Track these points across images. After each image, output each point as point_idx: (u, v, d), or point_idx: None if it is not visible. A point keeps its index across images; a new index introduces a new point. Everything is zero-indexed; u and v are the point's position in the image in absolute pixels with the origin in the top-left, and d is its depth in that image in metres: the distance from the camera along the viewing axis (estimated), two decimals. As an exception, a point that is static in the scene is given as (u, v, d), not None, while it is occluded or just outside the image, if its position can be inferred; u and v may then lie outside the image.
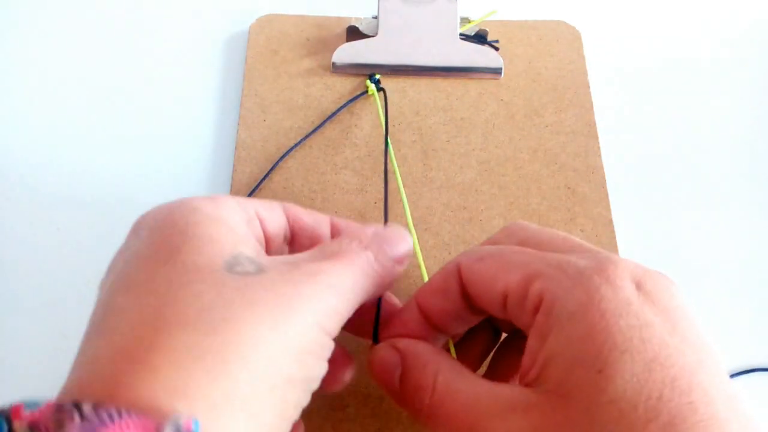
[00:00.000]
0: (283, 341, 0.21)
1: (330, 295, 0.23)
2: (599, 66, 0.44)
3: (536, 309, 0.23)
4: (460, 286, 0.26)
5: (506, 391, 0.23)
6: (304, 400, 0.23)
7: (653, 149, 0.41)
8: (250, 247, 0.24)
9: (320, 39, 0.44)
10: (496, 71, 0.42)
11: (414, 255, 0.29)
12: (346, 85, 0.41)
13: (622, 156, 0.40)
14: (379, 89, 0.41)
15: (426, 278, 0.29)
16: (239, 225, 0.25)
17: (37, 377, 0.32)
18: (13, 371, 0.33)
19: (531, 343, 0.23)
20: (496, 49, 0.43)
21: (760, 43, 0.46)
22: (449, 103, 0.41)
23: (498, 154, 0.39)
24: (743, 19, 0.47)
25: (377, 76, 0.41)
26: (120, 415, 0.17)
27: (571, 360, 0.21)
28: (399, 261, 0.26)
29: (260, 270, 0.22)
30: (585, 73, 0.43)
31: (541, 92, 0.42)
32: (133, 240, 0.24)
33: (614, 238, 0.36)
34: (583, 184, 0.38)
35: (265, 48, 0.43)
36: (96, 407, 0.17)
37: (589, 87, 0.42)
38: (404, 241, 0.27)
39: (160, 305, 0.21)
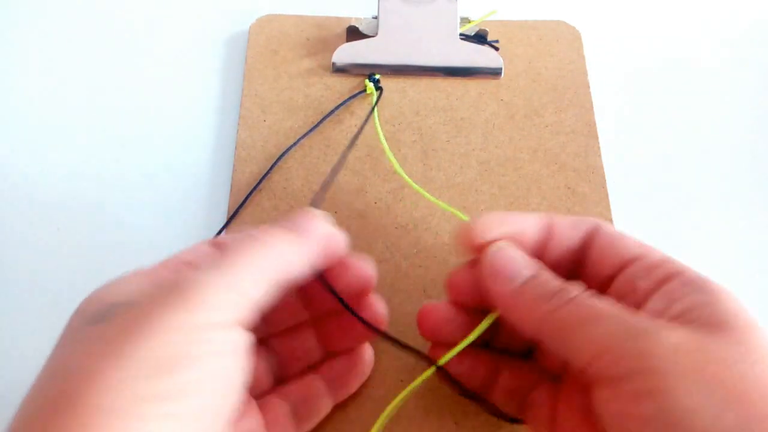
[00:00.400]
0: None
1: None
2: (599, 66, 0.44)
3: (665, 281, 0.25)
4: (587, 237, 0.28)
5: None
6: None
7: (653, 149, 0.41)
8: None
9: (320, 39, 0.44)
10: (496, 71, 0.42)
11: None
12: (345, 85, 0.41)
13: (622, 156, 0.40)
14: (378, 88, 0.41)
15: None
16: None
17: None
18: (13, 371, 0.33)
19: (658, 302, 0.25)
20: (496, 49, 0.43)
21: (761, 43, 0.46)
22: (449, 103, 0.41)
23: (498, 154, 0.39)
24: (743, 20, 0.47)
25: (377, 76, 0.41)
26: None
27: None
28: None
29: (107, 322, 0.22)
30: (585, 73, 0.43)
31: (541, 92, 0.42)
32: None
33: (614, 238, 0.36)
34: (583, 184, 0.38)
35: (265, 48, 0.43)
36: None
37: (589, 87, 0.42)
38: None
39: None
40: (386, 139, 0.38)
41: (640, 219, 0.38)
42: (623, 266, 0.27)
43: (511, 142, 0.40)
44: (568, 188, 0.38)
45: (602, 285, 0.27)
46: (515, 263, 0.27)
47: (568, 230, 0.28)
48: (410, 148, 0.39)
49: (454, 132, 0.40)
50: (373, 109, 0.40)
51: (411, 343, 0.30)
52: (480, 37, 0.43)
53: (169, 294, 0.22)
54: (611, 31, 0.46)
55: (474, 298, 0.29)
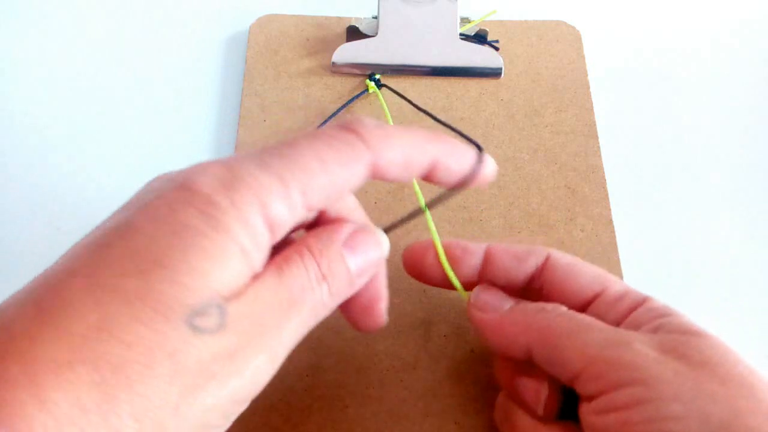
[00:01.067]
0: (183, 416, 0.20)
1: (263, 358, 0.22)
2: (599, 66, 0.44)
3: (632, 310, 0.27)
4: (539, 269, 0.29)
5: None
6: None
7: (653, 149, 0.41)
8: (240, 272, 0.21)
9: (320, 39, 0.44)
10: (496, 71, 0.42)
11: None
12: (346, 85, 0.41)
13: (622, 156, 0.40)
14: (380, 86, 0.41)
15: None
16: (252, 236, 0.21)
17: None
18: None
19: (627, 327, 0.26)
20: (496, 49, 0.43)
21: (761, 44, 0.46)
22: (449, 103, 0.41)
23: (498, 154, 0.39)
24: (744, 20, 0.47)
25: (377, 76, 0.41)
26: None
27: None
28: (359, 274, 0.25)
29: (220, 327, 0.20)
30: (585, 73, 0.43)
31: (541, 92, 0.42)
32: (123, 219, 0.21)
33: (614, 238, 0.36)
34: (583, 184, 0.38)
35: (265, 48, 0.43)
36: None
37: (589, 87, 0.42)
38: (374, 247, 0.25)
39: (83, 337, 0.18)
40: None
41: (640, 219, 0.38)
42: (585, 303, 0.28)
43: (511, 142, 0.40)
44: (568, 188, 0.38)
45: None
46: (499, 295, 0.29)
47: (509, 261, 0.29)
48: (410, 148, 0.39)
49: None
50: (384, 106, 0.39)
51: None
52: (480, 37, 0.43)
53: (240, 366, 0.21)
54: (611, 31, 0.46)
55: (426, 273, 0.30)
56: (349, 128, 0.23)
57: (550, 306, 0.27)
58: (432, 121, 0.36)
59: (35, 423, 0.17)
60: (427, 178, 0.25)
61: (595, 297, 0.28)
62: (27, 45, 0.44)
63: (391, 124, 0.37)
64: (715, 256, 0.37)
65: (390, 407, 0.31)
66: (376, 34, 0.42)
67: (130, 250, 0.20)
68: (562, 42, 0.44)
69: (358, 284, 0.25)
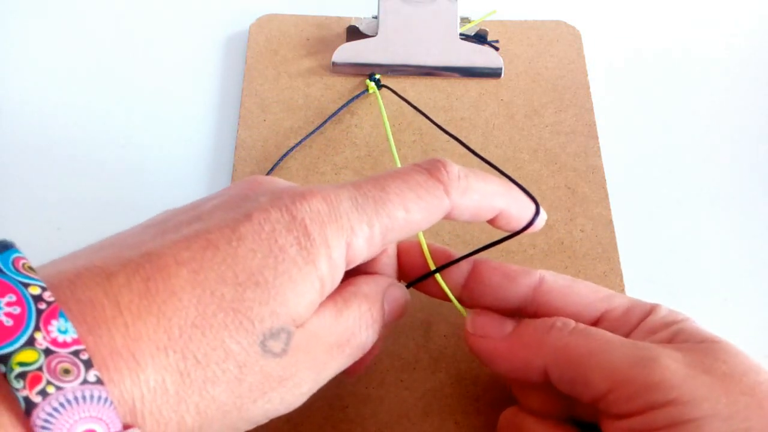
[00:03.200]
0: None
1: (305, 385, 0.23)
2: (599, 66, 0.44)
3: (641, 320, 0.26)
4: (532, 293, 0.28)
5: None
6: None
7: (653, 149, 0.41)
8: (312, 302, 0.23)
9: (320, 39, 0.44)
10: (496, 71, 0.42)
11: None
12: (346, 85, 0.41)
13: (622, 156, 0.40)
14: (380, 87, 0.41)
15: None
16: (332, 271, 0.23)
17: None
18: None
19: (638, 338, 0.26)
20: (496, 49, 0.43)
21: (761, 44, 0.46)
22: (449, 103, 0.41)
23: (498, 154, 0.39)
24: (744, 20, 0.47)
25: (377, 76, 0.41)
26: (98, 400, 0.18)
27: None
28: (388, 324, 0.27)
29: (284, 352, 0.22)
30: (585, 73, 0.43)
31: (541, 92, 0.42)
32: (219, 224, 0.23)
33: (614, 238, 0.36)
34: (583, 184, 0.38)
35: (265, 48, 0.43)
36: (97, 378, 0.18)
37: (589, 87, 0.42)
38: (402, 302, 0.28)
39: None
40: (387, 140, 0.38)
41: (640, 219, 0.38)
42: (591, 323, 0.27)
43: (511, 142, 0.40)
44: (568, 188, 0.38)
45: None
46: (497, 317, 0.28)
47: (499, 279, 0.28)
48: (410, 148, 0.39)
49: (454, 132, 0.40)
50: (381, 109, 0.39)
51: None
52: (480, 37, 0.43)
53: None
54: (611, 31, 0.46)
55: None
56: (437, 177, 0.26)
57: (560, 322, 0.26)
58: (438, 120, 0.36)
59: (126, 395, 0.19)
60: (489, 221, 0.28)
61: (602, 316, 0.27)
62: (26, 45, 0.44)
63: (387, 125, 0.37)
64: (715, 256, 0.37)
65: (390, 407, 0.31)
66: (376, 34, 0.42)
67: (232, 258, 0.22)
68: (562, 42, 0.44)
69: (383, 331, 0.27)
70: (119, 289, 0.20)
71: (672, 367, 0.23)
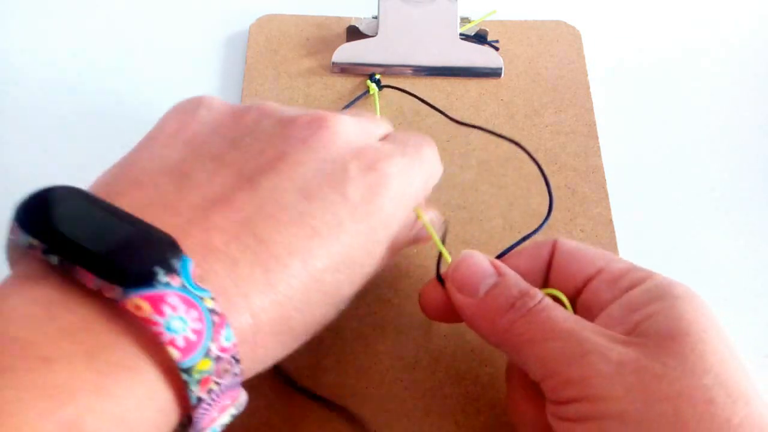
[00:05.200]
0: None
1: None
2: (599, 66, 0.44)
3: (630, 289, 0.26)
4: (550, 256, 0.29)
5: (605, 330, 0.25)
6: None
7: (653, 149, 0.41)
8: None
9: (320, 39, 0.44)
10: (496, 71, 0.42)
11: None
12: (346, 85, 0.41)
13: (622, 156, 0.40)
14: (381, 87, 0.41)
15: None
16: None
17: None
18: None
19: (616, 311, 0.26)
20: (496, 49, 0.43)
21: (761, 44, 0.46)
22: (449, 103, 0.41)
23: (498, 154, 0.39)
24: (744, 19, 0.47)
25: (377, 76, 0.41)
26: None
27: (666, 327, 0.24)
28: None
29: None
30: (585, 73, 0.43)
31: (541, 92, 0.42)
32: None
33: (614, 238, 0.36)
34: (583, 184, 0.38)
35: (265, 48, 0.43)
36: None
37: (589, 87, 0.42)
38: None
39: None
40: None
41: (640, 219, 0.38)
42: (587, 281, 0.27)
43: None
44: (568, 188, 0.38)
45: (570, 301, 0.28)
46: (480, 271, 0.27)
47: (527, 263, 0.29)
48: (410, 148, 0.39)
49: (454, 132, 0.40)
50: (377, 108, 0.40)
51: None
52: (480, 37, 0.43)
53: None
54: (611, 31, 0.46)
55: (448, 313, 0.29)
56: None
57: (520, 302, 0.26)
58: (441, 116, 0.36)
59: (203, 271, 0.22)
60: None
61: (597, 273, 0.27)
62: (25, 45, 0.44)
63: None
64: (715, 256, 0.37)
65: (390, 407, 0.31)
66: (376, 34, 0.42)
67: (336, 247, 0.25)
68: (562, 42, 0.44)
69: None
70: (244, 282, 0.22)
71: (597, 365, 0.23)
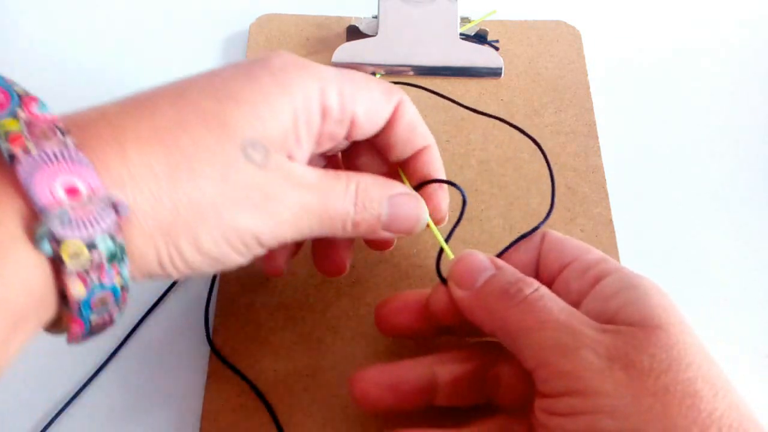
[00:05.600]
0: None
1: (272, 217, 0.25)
2: (599, 66, 0.44)
3: (596, 281, 0.27)
4: (539, 247, 0.30)
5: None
6: None
7: (653, 149, 0.41)
8: (286, 131, 0.25)
9: (320, 39, 0.44)
10: (496, 71, 0.42)
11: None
12: (346, 85, 0.41)
13: (622, 156, 0.40)
14: None
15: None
16: (306, 109, 0.26)
17: (37, 375, 0.32)
18: (13, 369, 0.33)
19: (591, 303, 0.26)
20: (496, 49, 0.43)
21: (761, 44, 0.46)
22: (449, 103, 0.41)
23: (498, 154, 0.39)
24: (744, 19, 0.47)
25: (377, 76, 0.41)
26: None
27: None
28: (387, 226, 0.28)
29: (263, 165, 0.24)
30: (585, 73, 0.43)
31: (541, 92, 0.42)
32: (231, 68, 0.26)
33: (614, 238, 0.36)
34: (583, 184, 0.38)
35: (265, 48, 0.43)
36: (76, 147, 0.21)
37: (589, 87, 0.42)
38: (412, 215, 0.29)
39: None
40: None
41: (640, 219, 0.38)
42: (562, 269, 0.28)
43: (511, 142, 0.39)
44: (568, 188, 0.38)
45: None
46: (477, 266, 0.28)
47: (525, 247, 0.30)
48: (410, 148, 0.39)
49: (454, 132, 0.40)
50: None
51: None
52: (480, 37, 0.43)
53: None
54: (611, 31, 0.46)
55: (456, 318, 0.29)
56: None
57: (514, 288, 0.26)
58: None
59: (114, 172, 0.21)
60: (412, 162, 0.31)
61: (570, 263, 0.28)
62: (25, 45, 0.44)
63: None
64: (714, 255, 0.37)
65: (390, 407, 0.31)
66: (376, 34, 0.42)
67: (210, 83, 0.25)
68: (562, 42, 0.44)
69: (383, 234, 0.28)
70: (106, 108, 0.24)
71: (589, 359, 0.24)
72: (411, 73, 0.42)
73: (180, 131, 0.23)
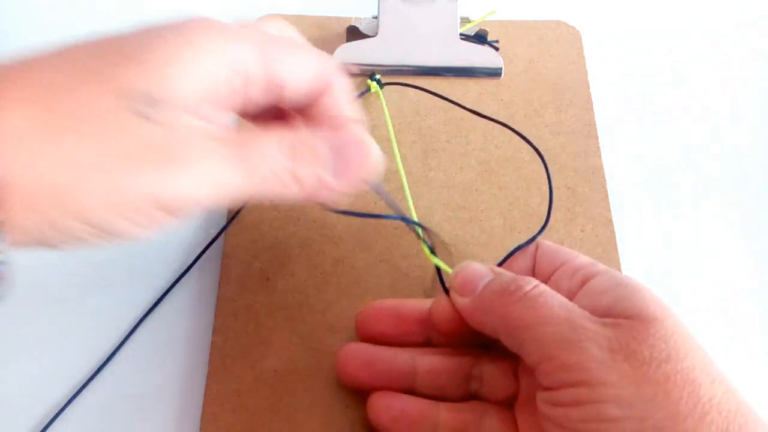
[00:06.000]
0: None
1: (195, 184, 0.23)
2: (599, 66, 0.44)
3: (585, 281, 0.28)
4: (534, 256, 0.30)
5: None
6: None
7: (653, 149, 0.41)
8: (193, 89, 0.23)
9: (320, 39, 0.44)
10: (496, 71, 0.42)
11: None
12: (346, 85, 0.41)
13: (622, 156, 0.40)
14: (382, 87, 0.41)
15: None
16: (213, 65, 0.24)
17: (37, 375, 0.32)
18: (13, 369, 0.33)
19: (583, 299, 0.27)
20: (496, 49, 0.43)
21: (761, 44, 0.46)
22: (449, 103, 0.41)
23: (498, 154, 0.39)
24: (744, 19, 0.47)
25: (377, 76, 0.41)
26: None
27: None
28: (341, 183, 0.26)
29: (160, 122, 0.22)
30: (585, 73, 0.43)
31: (541, 92, 0.42)
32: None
33: (614, 238, 0.36)
34: (583, 184, 0.38)
35: (265, 48, 0.43)
36: None
37: (589, 87, 0.42)
38: (363, 153, 0.27)
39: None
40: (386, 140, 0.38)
41: (640, 219, 0.38)
42: (553, 272, 0.29)
43: (511, 142, 0.40)
44: (568, 188, 0.38)
45: None
46: (477, 274, 0.29)
47: (523, 255, 0.31)
48: (410, 148, 0.39)
49: (454, 132, 0.40)
50: (383, 106, 0.39)
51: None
52: (480, 37, 0.43)
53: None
54: (611, 31, 0.46)
55: (458, 326, 0.30)
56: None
57: (514, 285, 0.27)
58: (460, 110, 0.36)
59: None
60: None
61: (561, 266, 0.29)
62: (24, 45, 0.44)
63: (390, 124, 0.38)
64: (714, 255, 0.37)
65: (390, 407, 0.31)
66: (376, 34, 0.42)
67: (103, 45, 0.23)
68: (562, 42, 0.44)
69: (335, 185, 0.26)
70: None
71: (592, 351, 0.24)
72: (411, 73, 0.42)
73: (65, 93, 0.21)
